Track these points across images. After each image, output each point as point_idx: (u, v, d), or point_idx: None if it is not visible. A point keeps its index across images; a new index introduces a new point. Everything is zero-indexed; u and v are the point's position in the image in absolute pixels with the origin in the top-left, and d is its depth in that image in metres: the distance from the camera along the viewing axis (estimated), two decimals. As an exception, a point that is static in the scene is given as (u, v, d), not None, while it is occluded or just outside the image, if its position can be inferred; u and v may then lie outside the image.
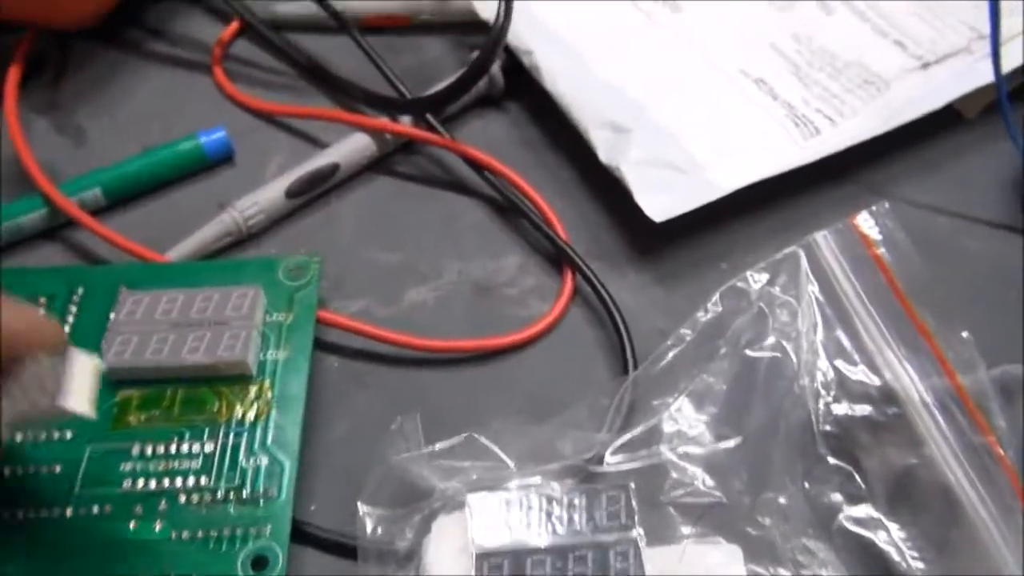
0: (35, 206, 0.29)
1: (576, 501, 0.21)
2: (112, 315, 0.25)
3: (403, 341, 0.26)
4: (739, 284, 0.23)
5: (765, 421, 0.22)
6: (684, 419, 0.23)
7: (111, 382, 0.24)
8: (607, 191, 0.30)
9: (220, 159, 0.31)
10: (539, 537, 0.21)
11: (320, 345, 0.27)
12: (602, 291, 0.27)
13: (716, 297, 0.23)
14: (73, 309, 0.25)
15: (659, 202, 0.27)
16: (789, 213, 0.30)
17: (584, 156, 0.30)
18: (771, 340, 0.22)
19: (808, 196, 0.30)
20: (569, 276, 0.28)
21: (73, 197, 0.29)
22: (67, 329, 0.25)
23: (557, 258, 0.29)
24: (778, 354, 0.22)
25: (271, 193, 0.30)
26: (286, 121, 0.33)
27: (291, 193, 0.30)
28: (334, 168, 0.31)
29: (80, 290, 0.26)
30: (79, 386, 0.20)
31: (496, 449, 0.22)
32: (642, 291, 0.28)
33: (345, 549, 0.23)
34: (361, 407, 0.26)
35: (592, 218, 0.30)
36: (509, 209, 0.30)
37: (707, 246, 0.29)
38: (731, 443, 0.22)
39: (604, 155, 0.29)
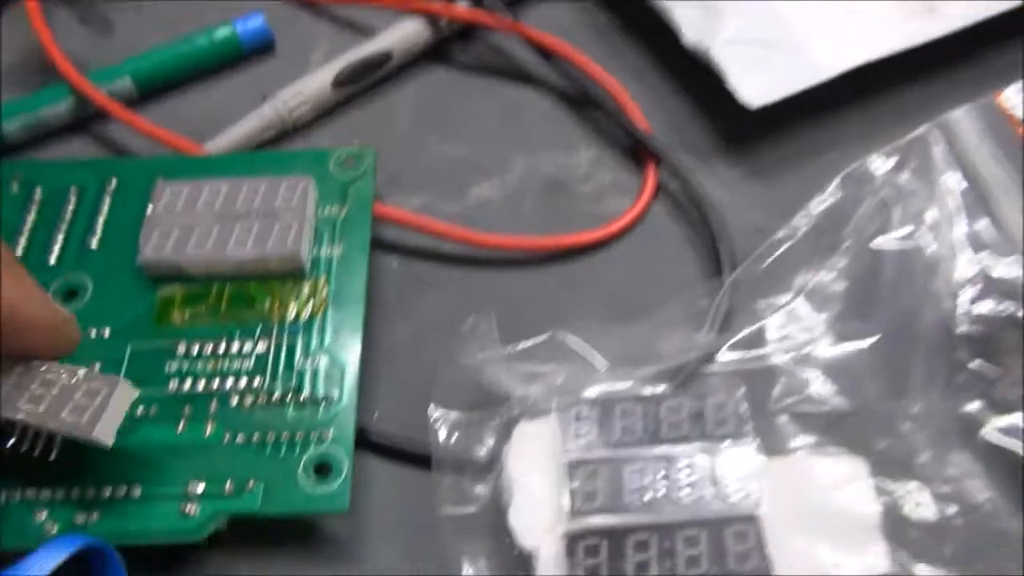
0: (60, 95, 0.26)
1: (678, 406, 0.19)
2: (149, 207, 0.22)
3: (470, 238, 0.23)
4: (861, 169, 0.20)
5: (895, 322, 0.19)
6: (798, 320, 0.20)
7: (151, 278, 0.22)
8: (690, 78, 0.27)
9: (259, 48, 0.28)
10: (638, 445, 0.19)
11: (376, 244, 0.24)
12: (691, 183, 0.24)
13: (835, 183, 0.20)
14: (107, 201, 0.23)
15: (755, 85, 0.24)
16: (905, 99, 0.26)
17: (662, 40, 0.27)
18: (901, 231, 0.20)
19: (927, 81, 0.27)
20: (651, 169, 0.25)
21: (102, 87, 0.27)
22: (102, 223, 0.23)
23: (636, 151, 0.26)
24: (909, 247, 0.19)
25: (317, 83, 0.27)
26: (330, 8, 0.30)
27: (339, 82, 0.27)
28: (385, 57, 0.27)
29: (113, 182, 0.23)
30: (112, 416, 0.18)
31: (587, 348, 0.19)
32: (735, 186, 0.25)
33: (414, 457, 0.21)
34: (424, 311, 0.23)
35: (674, 108, 0.27)
36: (580, 100, 0.27)
37: (809, 136, 0.26)
38: (856, 346, 0.19)
39: (690, 35, 0.26)
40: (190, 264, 0.21)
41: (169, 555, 0.20)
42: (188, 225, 0.22)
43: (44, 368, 0.19)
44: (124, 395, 0.19)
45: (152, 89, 0.28)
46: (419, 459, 0.21)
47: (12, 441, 0.18)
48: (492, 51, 0.29)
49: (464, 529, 0.19)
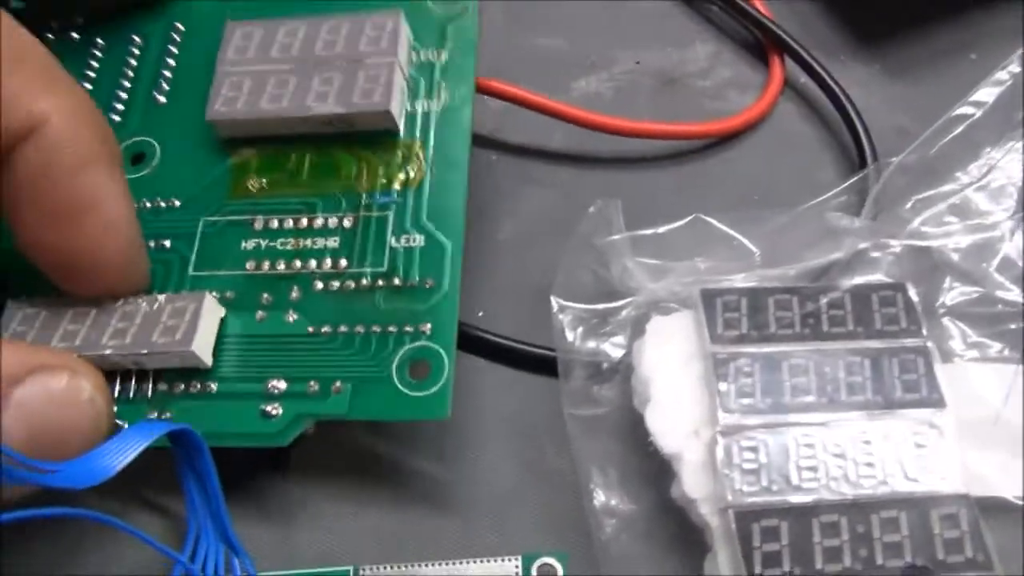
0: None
1: (839, 300, 0.17)
2: (219, 55, 0.19)
3: (586, 119, 0.21)
4: (1045, 47, 0.18)
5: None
6: (969, 212, 0.18)
7: (223, 141, 0.19)
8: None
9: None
10: (797, 341, 0.16)
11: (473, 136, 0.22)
12: (826, 77, 0.22)
13: (1015, 60, 0.18)
14: (173, 51, 0.20)
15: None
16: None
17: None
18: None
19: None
20: (778, 63, 0.23)
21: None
22: (169, 76, 0.20)
23: (757, 45, 0.24)
24: (1104, 126, 0.17)
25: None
26: None
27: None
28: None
29: (180, 27, 0.21)
30: (207, 331, 0.17)
31: (735, 234, 0.17)
32: (871, 85, 0.23)
33: (526, 360, 0.19)
34: (531, 209, 0.21)
35: (798, 4, 0.25)
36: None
37: (947, 36, 0.24)
38: (1042, 238, 0.17)
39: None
40: (264, 121, 0.18)
41: (251, 463, 0.17)
42: (261, 75, 0.19)
43: (120, 303, 0.17)
44: (213, 310, 0.17)
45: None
46: (531, 361, 0.18)
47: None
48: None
49: (592, 433, 0.17)
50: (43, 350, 0.16)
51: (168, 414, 0.17)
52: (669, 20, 0.25)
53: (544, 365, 0.18)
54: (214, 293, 0.17)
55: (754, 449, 0.15)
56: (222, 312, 0.17)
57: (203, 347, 0.17)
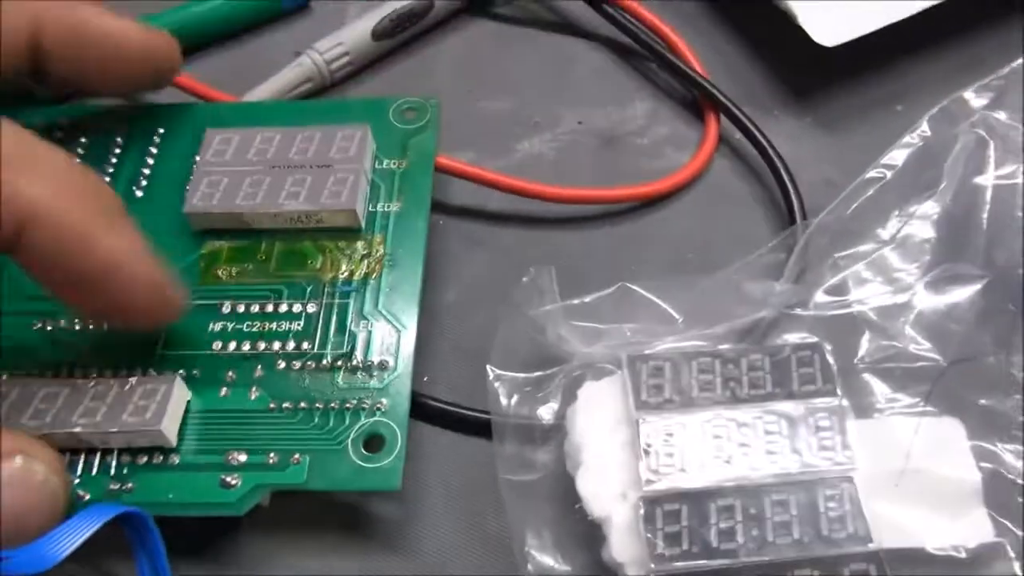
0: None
1: (758, 363, 0.17)
2: (198, 156, 0.21)
3: (528, 189, 0.22)
4: (952, 107, 0.19)
5: (997, 270, 0.17)
6: (886, 270, 0.18)
7: (196, 232, 0.20)
8: (745, 26, 0.25)
9: (295, 5, 0.27)
10: (718, 405, 0.17)
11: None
12: (756, 134, 0.22)
13: (923, 123, 0.19)
14: (153, 151, 0.21)
15: (829, 24, 0.22)
16: (974, 48, 0.24)
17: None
18: (1002, 170, 0.18)
19: (998, 28, 0.25)
20: (713, 120, 0.23)
21: (133, 43, 0.26)
22: (148, 173, 0.21)
23: (693, 103, 0.24)
24: (1009, 186, 0.18)
25: (356, 33, 0.25)
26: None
27: (378, 34, 0.25)
28: (427, 7, 0.26)
29: (160, 131, 0.22)
30: (174, 412, 0.18)
31: (658, 301, 0.18)
32: (801, 138, 0.23)
33: (468, 425, 0.19)
34: (475, 269, 0.22)
35: (733, 58, 0.25)
36: (632, 50, 0.25)
37: (875, 87, 0.24)
38: (953, 295, 0.17)
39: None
40: (239, 216, 0.20)
41: (206, 531, 0.18)
42: (238, 175, 0.20)
43: (92, 384, 0.18)
44: (182, 392, 0.18)
45: (187, 44, 0.26)
46: (475, 427, 0.19)
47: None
48: (536, 1, 0.27)
49: (527, 497, 0.17)
50: None
51: (129, 484, 0.17)
52: (610, 79, 0.25)
53: (485, 429, 0.19)
54: (181, 372, 0.18)
55: (675, 513, 0.16)
56: (189, 395, 0.18)
57: (170, 427, 0.18)
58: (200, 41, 0.26)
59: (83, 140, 0.22)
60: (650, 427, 0.17)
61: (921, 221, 0.18)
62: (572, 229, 0.22)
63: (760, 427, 0.16)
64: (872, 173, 0.19)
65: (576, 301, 0.18)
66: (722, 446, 0.16)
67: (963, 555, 0.16)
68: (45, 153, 0.16)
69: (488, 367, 0.18)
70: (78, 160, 0.22)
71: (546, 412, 0.18)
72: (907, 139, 0.19)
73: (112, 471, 0.17)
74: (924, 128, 0.19)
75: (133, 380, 0.18)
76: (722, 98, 0.23)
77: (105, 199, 0.17)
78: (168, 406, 0.17)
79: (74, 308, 0.18)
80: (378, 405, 0.18)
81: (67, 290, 0.17)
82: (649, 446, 0.16)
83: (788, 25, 0.23)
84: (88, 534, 0.15)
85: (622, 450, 0.17)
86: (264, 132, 0.21)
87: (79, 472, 0.18)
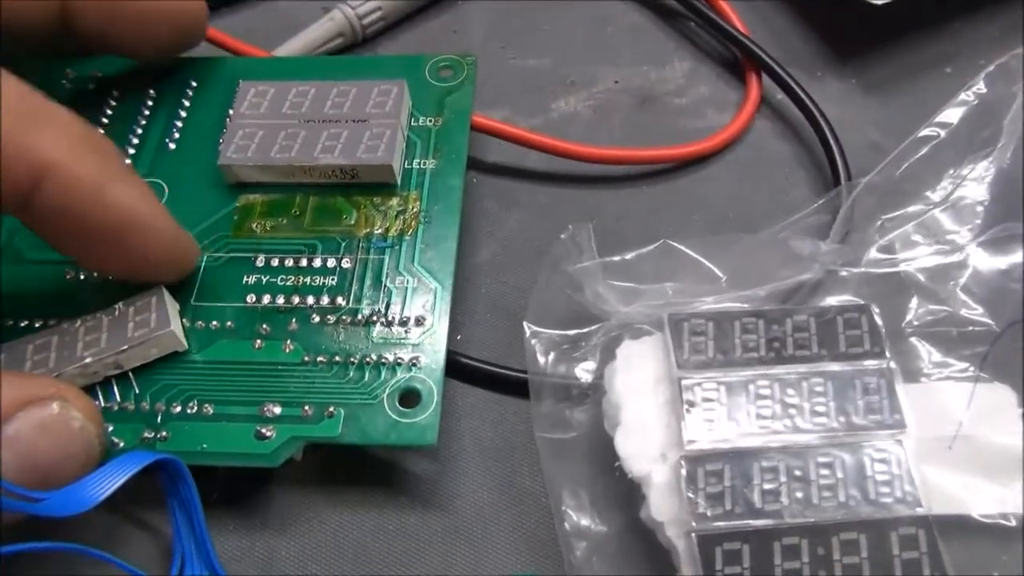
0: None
1: (804, 323, 0.17)
2: (232, 109, 0.20)
3: (566, 149, 0.21)
4: (1011, 63, 0.18)
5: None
6: (935, 232, 0.17)
7: (230, 185, 0.20)
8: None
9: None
10: (761, 365, 0.16)
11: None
12: (800, 94, 0.22)
13: (980, 81, 0.18)
14: (186, 104, 0.21)
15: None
16: (1016, 15, 0.24)
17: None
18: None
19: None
20: (755, 80, 0.23)
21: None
22: (180, 126, 0.21)
23: (734, 63, 0.24)
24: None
25: (389, -12, 0.25)
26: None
27: (412, -11, 0.25)
28: (460, -37, 0.26)
29: (193, 84, 0.21)
30: (175, 316, 0.18)
31: (702, 259, 0.17)
32: (847, 100, 0.22)
33: (502, 383, 0.19)
34: (509, 228, 0.21)
35: (774, 19, 0.24)
36: (670, 10, 0.25)
37: (924, 49, 0.23)
38: (1008, 258, 0.17)
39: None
40: (273, 169, 0.19)
41: (236, 483, 0.18)
42: (273, 128, 0.20)
43: (78, 324, 0.17)
44: (171, 300, 0.18)
45: (217, 0, 0.26)
46: (511, 386, 0.19)
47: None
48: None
49: (563, 455, 0.17)
50: (34, 381, 0.16)
51: (164, 433, 0.17)
52: (647, 38, 0.24)
53: (520, 388, 0.18)
54: (214, 323, 0.18)
55: (718, 473, 0.15)
56: (177, 305, 0.18)
57: (179, 329, 0.17)
58: (231, -3, 0.26)
59: (115, 92, 0.21)
60: (692, 386, 0.16)
61: (975, 182, 0.17)
62: (609, 188, 0.22)
63: (805, 388, 0.16)
64: (924, 132, 0.18)
65: (617, 258, 0.17)
66: (766, 406, 0.16)
67: (1012, 523, 0.16)
68: (52, 108, 0.16)
69: (524, 324, 0.18)
70: (110, 111, 0.21)
71: (583, 371, 0.17)
72: (962, 97, 0.18)
73: (146, 419, 0.17)
74: (980, 86, 0.18)
75: (120, 305, 0.17)
76: (766, 58, 0.22)
77: (113, 152, 0.16)
78: (168, 310, 0.17)
79: (89, 264, 0.17)
80: (414, 361, 0.18)
81: (82, 246, 0.16)
82: (691, 405, 0.16)
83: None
84: (124, 479, 0.15)
85: (662, 409, 0.16)
86: (299, 86, 0.20)
87: (112, 414, 0.17)
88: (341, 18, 0.24)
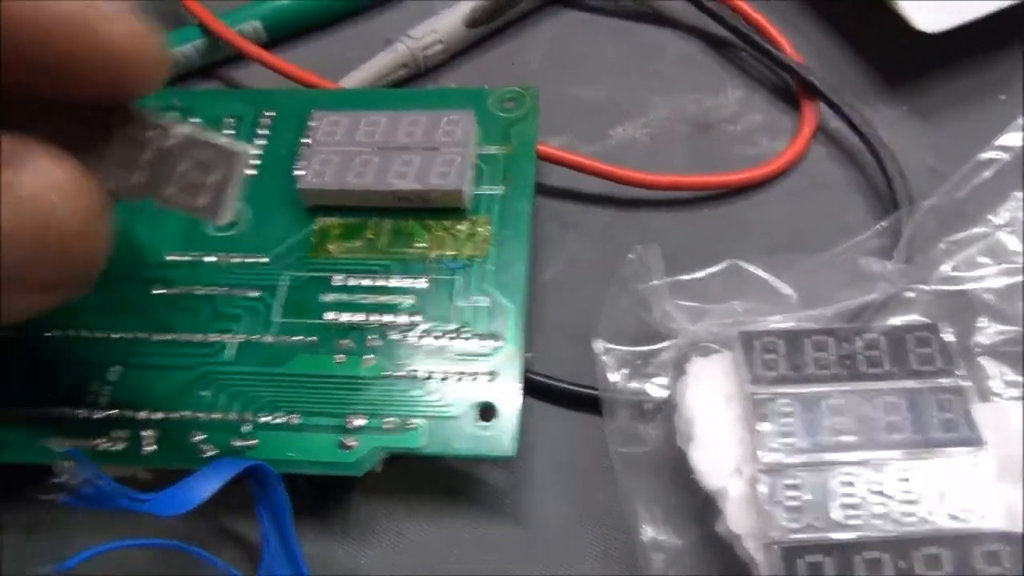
0: (191, 37, 0.26)
1: (875, 342, 0.17)
2: (307, 137, 0.21)
3: (627, 176, 0.22)
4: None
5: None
6: (1001, 253, 0.18)
7: (307, 208, 0.20)
8: (837, 14, 0.25)
9: (387, -6, 0.28)
10: (834, 381, 0.17)
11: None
12: (856, 121, 0.22)
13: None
14: (262, 133, 0.22)
15: (931, 10, 0.22)
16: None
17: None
18: None
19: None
20: (810, 107, 0.23)
21: (231, 29, 0.26)
22: (258, 153, 0.21)
23: (786, 90, 0.24)
24: None
25: (450, 21, 0.25)
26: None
27: (472, 22, 0.26)
28: (518, -4, 0.26)
29: (269, 113, 0.22)
30: (234, 193, 0.16)
31: (770, 278, 0.17)
32: (899, 126, 0.23)
33: (573, 399, 0.19)
34: (569, 250, 0.22)
35: (825, 46, 0.25)
36: (721, 40, 0.25)
37: (976, 76, 0.24)
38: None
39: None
40: (349, 193, 0.20)
41: (318, 493, 0.18)
42: (348, 154, 0.20)
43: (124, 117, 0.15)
44: (242, 164, 0.16)
45: (280, 33, 0.27)
46: (578, 400, 0.19)
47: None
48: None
49: (637, 470, 0.17)
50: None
51: (252, 441, 0.18)
52: (701, 67, 0.25)
53: (588, 403, 0.19)
54: (298, 337, 0.19)
55: (796, 487, 0.15)
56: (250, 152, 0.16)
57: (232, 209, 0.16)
58: (293, 29, 0.27)
59: (195, 121, 0.22)
60: (766, 400, 0.16)
61: (1041, 203, 0.18)
62: (665, 212, 0.22)
63: (880, 403, 0.16)
64: (985, 156, 0.18)
65: (686, 277, 0.18)
66: (841, 423, 0.16)
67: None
68: None
69: (596, 341, 0.18)
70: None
71: (654, 386, 0.18)
72: (1021, 121, 0.18)
73: (237, 429, 0.18)
74: (1043, 110, 0.18)
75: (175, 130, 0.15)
76: (819, 85, 0.23)
77: None
78: (227, 191, 0.15)
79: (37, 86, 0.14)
80: (491, 376, 0.18)
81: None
82: (765, 419, 0.16)
83: (880, 13, 0.23)
84: (221, 483, 0.15)
85: (735, 424, 0.17)
86: (369, 116, 0.21)
87: (204, 423, 0.18)
88: (404, 50, 0.25)
